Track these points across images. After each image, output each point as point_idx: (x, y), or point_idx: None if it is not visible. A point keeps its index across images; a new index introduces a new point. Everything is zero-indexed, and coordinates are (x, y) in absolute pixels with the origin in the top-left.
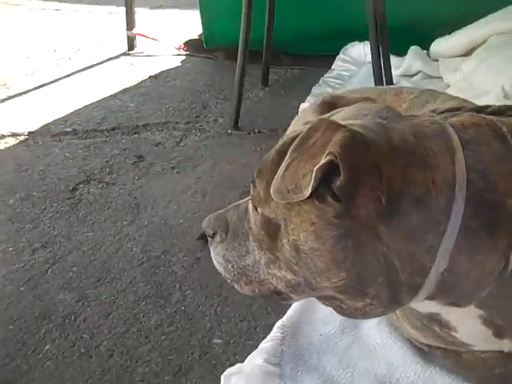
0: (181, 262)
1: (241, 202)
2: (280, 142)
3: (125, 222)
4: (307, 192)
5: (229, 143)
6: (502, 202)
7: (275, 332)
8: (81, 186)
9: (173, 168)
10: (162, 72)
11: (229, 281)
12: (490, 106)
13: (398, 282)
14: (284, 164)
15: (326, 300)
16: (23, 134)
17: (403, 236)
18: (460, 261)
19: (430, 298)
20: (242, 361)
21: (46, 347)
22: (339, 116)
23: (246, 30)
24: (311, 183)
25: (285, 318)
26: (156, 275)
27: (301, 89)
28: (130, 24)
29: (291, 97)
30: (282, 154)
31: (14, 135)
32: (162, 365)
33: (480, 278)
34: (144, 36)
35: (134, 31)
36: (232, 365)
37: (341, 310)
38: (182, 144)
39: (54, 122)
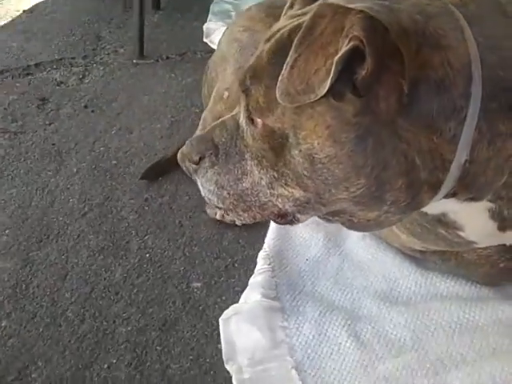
0: (129, 206)
1: (225, 118)
2: (271, 40)
3: (50, 173)
4: (323, 89)
5: (139, 73)
6: None
7: (262, 264)
8: None
9: (85, 107)
10: (36, 5)
11: (221, 211)
12: None
13: (418, 182)
14: (289, 61)
15: (333, 216)
16: None
17: (424, 128)
18: (481, 148)
19: (450, 195)
20: (230, 301)
21: (2, 324)
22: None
23: None
24: (330, 77)
25: (266, 247)
26: (105, 224)
27: (198, 9)
28: None
29: (189, 18)
30: (279, 51)
31: None
32: (144, 320)
33: (500, 165)
34: None
35: None
36: (220, 307)
37: (350, 224)
38: (87, 80)
39: None
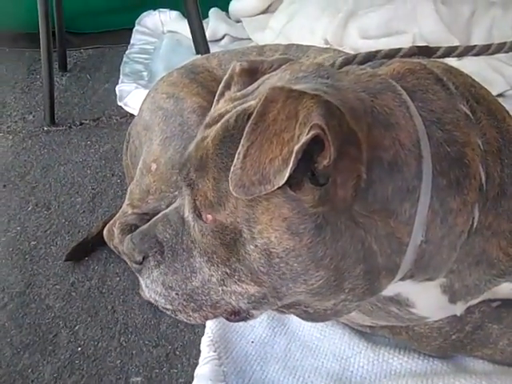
0: (54, 293)
1: (168, 211)
2: (214, 127)
3: None
4: (281, 180)
5: (52, 142)
6: (463, 152)
7: (207, 352)
8: None
9: None
10: None
11: (169, 312)
12: (379, 52)
13: (376, 268)
14: (241, 150)
15: (288, 308)
16: None
17: (380, 212)
18: (435, 228)
19: (407, 277)
20: None
21: None
22: (272, 82)
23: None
24: (289, 167)
25: (208, 331)
26: (29, 316)
27: (107, 69)
28: None
29: (99, 79)
30: (226, 139)
31: None
32: None
33: (453, 242)
34: None
35: None
36: None
37: (306, 315)
38: None
39: None
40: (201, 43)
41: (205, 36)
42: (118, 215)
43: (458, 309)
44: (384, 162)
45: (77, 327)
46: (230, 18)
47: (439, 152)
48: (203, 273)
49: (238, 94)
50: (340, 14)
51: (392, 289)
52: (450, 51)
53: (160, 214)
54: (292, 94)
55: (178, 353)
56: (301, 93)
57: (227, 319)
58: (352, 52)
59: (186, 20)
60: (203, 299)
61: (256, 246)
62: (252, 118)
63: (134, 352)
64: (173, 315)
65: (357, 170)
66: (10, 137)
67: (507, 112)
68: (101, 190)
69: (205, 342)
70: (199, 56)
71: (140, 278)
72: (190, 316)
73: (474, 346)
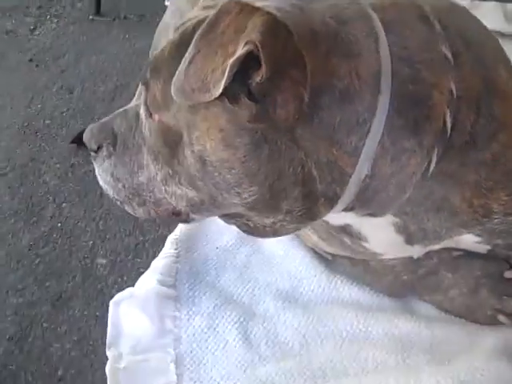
0: (53, 171)
1: (128, 106)
2: (177, 31)
3: None
4: (217, 90)
5: (92, 31)
6: (428, 94)
7: (169, 248)
8: None
9: (30, 60)
10: None
11: (118, 203)
12: None
13: (315, 194)
14: (188, 56)
15: (230, 218)
16: None
17: (324, 139)
18: (383, 164)
19: (348, 209)
20: (131, 282)
21: None
22: None
23: None
24: (223, 79)
25: (178, 230)
26: (24, 187)
27: None
28: None
29: None
30: (181, 45)
31: None
32: (38, 293)
33: (402, 182)
34: None
35: None
36: (120, 287)
37: (247, 229)
38: (37, 32)
39: None
40: None
41: None
42: None
43: (415, 251)
44: (335, 91)
45: (64, 205)
46: None
47: (401, 90)
48: (149, 170)
49: (211, 2)
50: None
51: (338, 218)
52: None
53: (122, 109)
54: (246, 8)
55: (146, 245)
56: (254, 8)
57: (169, 219)
58: None
59: None
60: (147, 195)
61: (193, 151)
62: (203, 26)
63: (107, 236)
64: (121, 206)
65: (298, 93)
66: (55, 20)
67: (506, 63)
68: (125, 82)
69: (170, 239)
70: None
71: (95, 166)
72: (135, 209)
73: (424, 289)
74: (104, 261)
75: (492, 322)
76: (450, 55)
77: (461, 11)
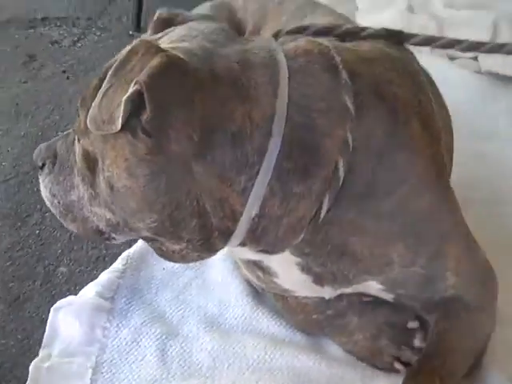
0: None
1: (70, 131)
2: (105, 66)
3: (0, 132)
4: (118, 124)
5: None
6: (320, 142)
7: (118, 263)
8: None
9: (64, 72)
10: None
11: (57, 216)
12: (340, 27)
13: (209, 227)
14: (101, 90)
15: (147, 241)
16: None
17: (216, 176)
18: (272, 206)
19: (242, 244)
20: None
21: None
22: (171, 37)
23: None
24: (120, 114)
25: (133, 248)
26: (20, 194)
27: None
28: None
29: None
30: (103, 79)
31: None
32: (1, 293)
33: (292, 224)
34: None
35: None
36: (72, 295)
37: (161, 252)
38: (80, 44)
39: None
40: None
41: None
42: None
43: (326, 293)
44: (228, 132)
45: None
46: None
47: (293, 135)
48: (79, 190)
49: (150, 39)
50: None
51: (241, 253)
52: (429, 41)
53: (66, 132)
54: (150, 50)
55: (106, 259)
56: (157, 49)
57: (93, 238)
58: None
59: None
60: (78, 213)
61: (104, 177)
62: (116, 63)
63: (75, 247)
64: (59, 219)
65: (187, 132)
66: (98, 33)
67: (423, 117)
68: None
69: (122, 255)
70: None
71: (40, 181)
72: (68, 224)
73: (331, 330)
74: (65, 269)
75: (388, 368)
76: (351, 106)
77: (387, 62)
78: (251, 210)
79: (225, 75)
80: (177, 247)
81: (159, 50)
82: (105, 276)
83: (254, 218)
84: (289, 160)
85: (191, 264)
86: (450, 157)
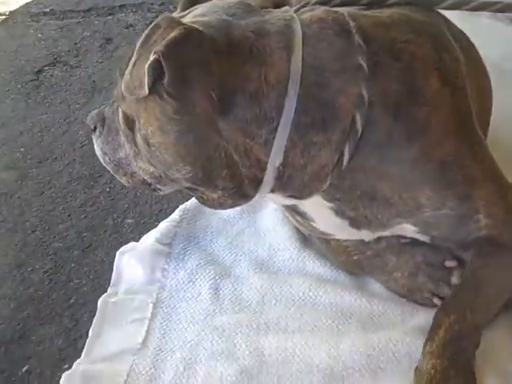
0: None
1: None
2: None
3: (78, 105)
4: (146, 89)
5: None
6: (334, 98)
7: (175, 214)
8: (46, 68)
9: None
10: None
11: (111, 171)
12: None
13: (239, 176)
14: (132, 61)
15: (190, 191)
16: (4, 14)
17: (239, 130)
18: (294, 155)
19: (272, 191)
20: None
21: None
22: (195, 12)
23: None
24: (145, 80)
25: (190, 201)
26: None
27: None
28: None
29: None
30: (137, 49)
31: None
32: (75, 241)
33: (315, 171)
34: None
35: None
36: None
37: (203, 201)
38: None
39: (35, 2)
40: None
41: None
42: None
43: (365, 235)
44: (246, 92)
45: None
46: None
47: (308, 93)
48: (125, 148)
49: (176, 16)
50: None
51: (276, 199)
52: (458, 4)
53: (112, 99)
54: (171, 24)
55: (168, 211)
56: (178, 23)
57: (142, 189)
58: None
59: None
60: (126, 168)
61: (141, 134)
62: (142, 36)
63: (140, 202)
64: (114, 174)
65: (207, 93)
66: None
67: (442, 73)
68: None
69: (180, 206)
70: None
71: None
72: (121, 178)
73: (371, 269)
74: (131, 221)
75: (428, 304)
76: (365, 65)
77: (406, 25)
78: (275, 159)
79: (240, 42)
80: (215, 195)
81: (179, 23)
82: (163, 225)
83: (278, 167)
84: (306, 115)
85: (245, 213)
86: (486, 114)
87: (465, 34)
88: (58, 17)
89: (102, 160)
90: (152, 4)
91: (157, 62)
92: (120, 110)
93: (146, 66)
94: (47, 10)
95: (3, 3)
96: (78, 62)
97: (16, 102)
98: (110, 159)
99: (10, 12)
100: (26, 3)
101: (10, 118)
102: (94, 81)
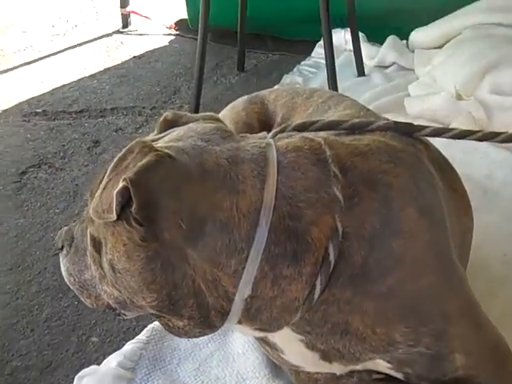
0: None
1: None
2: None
3: (57, 210)
4: (114, 214)
5: None
6: (307, 230)
7: (142, 335)
8: (31, 169)
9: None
10: (147, 52)
11: (76, 293)
12: (347, 121)
13: (206, 306)
14: (102, 184)
15: (156, 317)
16: None
17: (208, 260)
18: (263, 287)
19: (239, 322)
20: None
21: None
22: (171, 136)
23: (206, 8)
24: (113, 207)
25: None
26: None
27: (275, 76)
28: (124, 2)
29: (263, 85)
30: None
31: None
32: (35, 359)
33: (285, 304)
34: (137, 14)
35: (128, 9)
36: (99, 364)
37: (168, 328)
38: (141, 131)
39: (28, 102)
40: (359, 66)
41: (361, 60)
42: None
43: (336, 369)
44: (217, 221)
45: None
46: (408, 46)
47: (280, 224)
48: (91, 269)
49: (151, 138)
50: (481, 63)
51: (243, 330)
52: (439, 132)
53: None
54: (143, 150)
55: (136, 330)
56: (150, 149)
57: (108, 312)
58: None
59: (367, 43)
60: (91, 290)
61: (107, 259)
62: (115, 160)
63: (108, 318)
64: (78, 295)
65: (176, 222)
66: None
67: (419, 203)
68: None
69: (148, 326)
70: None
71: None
72: (85, 300)
73: None
74: (97, 339)
75: None
76: (340, 196)
77: (385, 154)
78: (243, 290)
79: (213, 170)
80: (180, 323)
81: (152, 149)
82: (128, 346)
83: (246, 299)
84: (277, 246)
85: (215, 335)
86: (467, 237)
87: (447, 161)
88: (50, 117)
89: (67, 281)
90: (144, 108)
91: (125, 188)
92: (88, 231)
93: (115, 192)
94: (39, 110)
95: None
96: (63, 165)
97: None
98: (75, 280)
99: (3, 111)
100: (19, 102)
101: None
102: (76, 184)
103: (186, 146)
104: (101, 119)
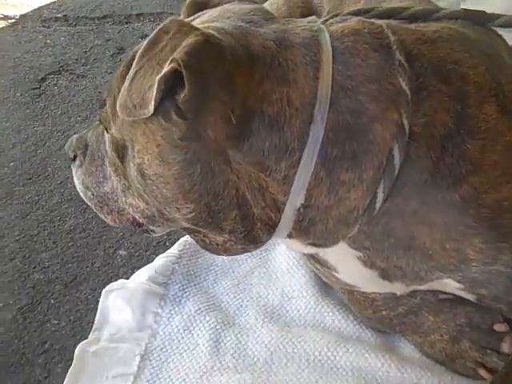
0: None
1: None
2: (132, 51)
3: (79, 118)
4: (151, 107)
5: None
6: (369, 127)
7: (175, 248)
8: (50, 76)
9: None
10: None
11: (93, 209)
12: (407, 9)
13: (251, 217)
14: (130, 73)
15: (189, 232)
16: (14, 18)
17: (254, 164)
18: (319, 195)
19: (289, 236)
20: None
21: None
22: (203, 18)
23: None
24: (153, 96)
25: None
26: None
27: None
28: None
29: None
30: (131, 64)
31: (5, 18)
32: (58, 273)
33: (342, 215)
34: None
35: None
36: (128, 278)
37: (204, 245)
38: None
39: (48, 6)
40: None
41: None
42: None
43: (397, 288)
44: (265, 116)
45: None
46: None
47: (337, 120)
48: (112, 181)
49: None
50: None
51: (292, 245)
52: None
53: (96, 123)
54: (182, 28)
55: (167, 243)
56: (191, 28)
57: (134, 230)
58: None
59: None
60: (113, 204)
61: (134, 164)
62: (144, 44)
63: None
64: (96, 212)
65: (226, 115)
66: None
67: (499, 99)
68: None
69: (181, 240)
70: None
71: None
72: (105, 217)
73: (403, 328)
74: (125, 252)
75: (471, 375)
76: (407, 89)
77: (457, 42)
78: (295, 199)
79: (260, 54)
80: (220, 239)
81: (193, 28)
82: (159, 261)
83: (299, 208)
84: (335, 147)
85: (255, 252)
86: None
87: None
88: (71, 23)
89: (83, 195)
90: (172, 14)
91: (173, 72)
92: (107, 134)
93: (158, 77)
94: (60, 15)
95: (15, 6)
96: (85, 72)
97: (13, 112)
98: (92, 194)
99: (21, 15)
100: (39, 7)
101: (4, 129)
102: (99, 92)
103: (226, 27)
104: (125, 25)
